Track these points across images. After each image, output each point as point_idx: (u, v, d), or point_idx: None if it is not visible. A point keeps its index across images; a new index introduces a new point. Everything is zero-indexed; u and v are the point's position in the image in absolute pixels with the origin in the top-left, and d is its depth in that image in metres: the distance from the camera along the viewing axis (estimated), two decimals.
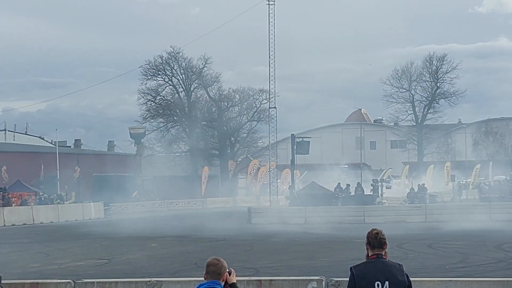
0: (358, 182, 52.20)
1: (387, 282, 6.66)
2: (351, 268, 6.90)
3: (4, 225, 45.18)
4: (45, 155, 71.09)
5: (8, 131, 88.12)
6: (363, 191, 50.44)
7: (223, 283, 6.26)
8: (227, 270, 6.35)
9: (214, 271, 6.27)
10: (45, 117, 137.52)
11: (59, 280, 11.81)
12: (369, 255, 6.86)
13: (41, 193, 57.74)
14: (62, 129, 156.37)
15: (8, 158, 66.59)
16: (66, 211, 51.75)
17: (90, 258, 25.37)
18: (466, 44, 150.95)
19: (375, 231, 6.86)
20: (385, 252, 6.86)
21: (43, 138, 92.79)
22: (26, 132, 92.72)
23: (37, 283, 11.53)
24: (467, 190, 63.29)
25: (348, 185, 50.77)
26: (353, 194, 49.60)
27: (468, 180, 69.45)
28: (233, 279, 6.37)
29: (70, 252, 27.88)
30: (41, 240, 33.62)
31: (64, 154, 72.22)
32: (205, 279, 6.29)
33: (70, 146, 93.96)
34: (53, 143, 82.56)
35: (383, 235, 6.84)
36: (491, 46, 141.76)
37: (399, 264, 6.85)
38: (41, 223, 47.74)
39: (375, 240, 6.81)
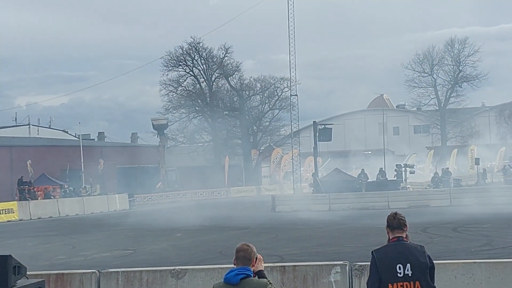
0: (381, 168, 52.06)
1: (408, 265, 6.65)
2: (372, 252, 6.89)
3: (30, 219, 45.63)
4: (69, 149, 71.59)
5: (32, 125, 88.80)
6: (386, 177, 50.40)
7: (252, 269, 6.22)
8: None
9: (244, 257, 6.22)
10: (68, 110, 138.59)
11: (85, 271, 11.90)
12: (390, 238, 6.85)
13: (66, 186, 58.17)
14: (86, 122, 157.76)
15: (33, 152, 67.10)
16: (91, 203, 52.13)
17: (116, 249, 25.54)
18: (488, 26, 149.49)
19: (393, 212, 6.88)
20: (406, 235, 6.84)
21: (66, 132, 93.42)
22: (49, 126, 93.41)
23: (63, 274, 11.62)
24: (492, 173, 62.80)
25: (383, 171, 50.79)
26: (384, 179, 49.58)
27: (492, 163, 68.97)
28: (260, 266, 6.32)
29: (96, 243, 28.09)
30: (67, 233, 33.90)
31: (88, 147, 72.61)
32: (234, 265, 6.25)
33: (93, 139, 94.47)
34: (76, 136, 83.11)
35: (402, 217, 6.84)
36: None
37: (420, 245, 6.83)
38: (66, 215, 48.14)
39: (394, 221, 6.81)
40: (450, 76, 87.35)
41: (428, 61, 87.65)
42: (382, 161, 61.69)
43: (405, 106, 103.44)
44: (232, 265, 6.35)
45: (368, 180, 49.90)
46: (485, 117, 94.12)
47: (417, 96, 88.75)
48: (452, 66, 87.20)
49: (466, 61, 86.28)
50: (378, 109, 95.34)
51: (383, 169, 51.59)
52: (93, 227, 36.90)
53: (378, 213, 33.29)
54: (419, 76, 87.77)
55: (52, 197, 53.02)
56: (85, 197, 53.85)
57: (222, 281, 6.14)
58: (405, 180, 50.71)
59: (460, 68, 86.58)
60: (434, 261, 6.87)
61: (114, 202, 53.91)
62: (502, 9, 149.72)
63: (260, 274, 6.27)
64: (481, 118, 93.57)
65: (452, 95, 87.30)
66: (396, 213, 6.85)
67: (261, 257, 6.36)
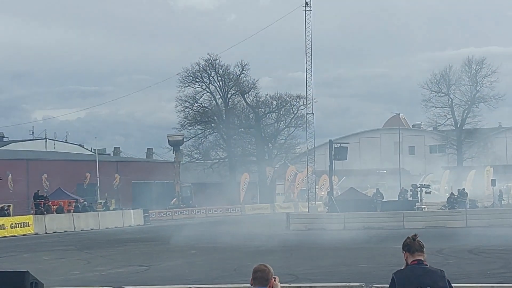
0: (403, 188, 52.05)
1: None
2: (393, 274, 6.87)
3: (46, 233, 45.74)
4: (85, 163, 71.89)
5: (49, 139, 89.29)
6: (407, 196, 50.50)
7: None
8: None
9: (261, 277, 6.24)
10: (84, 125, 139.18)
11: (101, 287, 11.92)
12: (410, 261, 6.82)
13: (82, 201, 58.26)
14: (101, 137, 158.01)
15: (49, 166, 67.41)
16: (106, 218, 52.20)
17: (131, 265, 25.55)
18: (506, 46, 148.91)
19: (412, 235, 6.86)
20: (424, 258, 6.82)
21: (83, 146, 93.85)
22: (66, 140, 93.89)
23: None
24: (508, 194, 62.42)
25: (405, 190, 50.81)
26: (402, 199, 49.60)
27: (509, 184, 68.57)
28: (278, 285, 6.35)
29: (111, 259, 28.12)
30: (82, 247, 33.97)
31: (104, 162, 72.92)
32: (251, 285, 6.28)
33: (109, 154, 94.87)
34: (92, 151, 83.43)
35: (421, 240, 6.83)
36: None
37: (440, 270, 6.79)
38: (81, 230, 48.24)
39: (414, 243, 6.77)
40: (467, 96, 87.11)
41: (445, 81, 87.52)
42: (397, 180, 61.49)
43: (421, 126, 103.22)
44: (249, 285, 6.37)
45: (383, 200, 49.80)
46: (502, 137, 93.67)
47: (433, 116, 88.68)
48: (469, 86, 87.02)
49: (484, 82, 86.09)
50: (394, 128, 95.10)
51: (405, 189, 51.56)
52: (108, 242, 36.96)
53: (393, 233, 33.20)
54: (435, 95, 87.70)
55: (67, 211, 53.04)
56: (101, 212, 53.94)
57: None
58: (421, 200, 50.49)
59: (477, 89, 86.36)
60: (452, 284, 6.84)
61: (129, 217, 53.96)
62: None
63: None
64: (497, 138, 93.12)
65: (468, 115, 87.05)
66: (415, 235, 6.84)
67: (277, 277, 6.39)
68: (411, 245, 6.79)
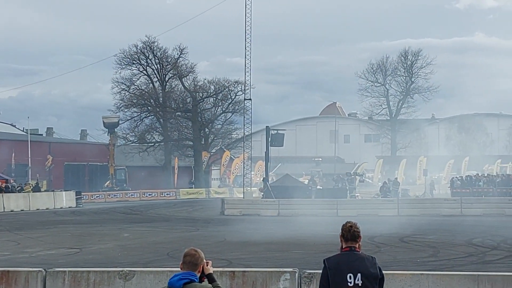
0: (339, 175, 52.68)
1: (359, 274, 6.67)
2: (324, 260, 6.89)
3: None
4: (17, 143, 70.42)
5: None
6: (346, 184, 51.19)
7: (199, 275, 6.18)
8: (204, 261, 6.28)
9: (190, 262, 6.19)
10: (16, 104, 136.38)
11: (30, 269, 11.66)
12: (343, 247, 6.86)
13: (12, 181, 57.09)
14: (34, 117, 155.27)
15: None
16: (37, 199, 51.27)
17: (61, 247, 25.16)
18: (442, 39, 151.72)
19: (349, 224, 6.87)
20: (358, 245, 6.86)
21: (14, 126, 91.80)
22: None
23: (8, 271, 11.37)
24: (439, 185, 63.70)
25: (341, 177, 51.40)
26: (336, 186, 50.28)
27: (440, 175, 69.98)
28: (210, 269, 6.30)
29: (41, 240, 27.64)
30: (11, 228, 33.30)
31: (36, 142, 71.55)
32: (181, 269, 6.21)
33: (42, 134, 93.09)
34: (24, 130, 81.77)
35: (357, 228, 6.84)
36: (467, 41, 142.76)
37: (372, 257, 6.86)
38: (11, 211, 47.28)
39: (349, 233, 6.82)
40: (402, 87, 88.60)
41: (382, 71, 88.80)
42: (332, 168, 62.06)
43: (357, 115, 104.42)
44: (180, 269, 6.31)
45: (318, 187, 50.30)
46: (434, 128, 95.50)
47: (369, 105, 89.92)
48: (404, 77, 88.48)
49: (419, 73, 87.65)
50: (330, 116, 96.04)
51: (341, 177, 52.14)
52: (39, 224, 36.32)
53: (327, 221, 33.48)
54: (372, 85, 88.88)
55: None
56: (31, 193, 52.91)
57: (167, 285, 6.10)
58: (354, 188, 51.18)
59: (413, 80, 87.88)
60: (383, 271, 6.91)
61: (60, 199, 53.11)
62: (456, 22, 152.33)
63: (210, 277, 6.25)
64: (431, 129, 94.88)
65: (403, 106, 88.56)
66: (352, 226, 6.86)
67: (210, 261, 6.34)
68: (346, 234, 6.85)
